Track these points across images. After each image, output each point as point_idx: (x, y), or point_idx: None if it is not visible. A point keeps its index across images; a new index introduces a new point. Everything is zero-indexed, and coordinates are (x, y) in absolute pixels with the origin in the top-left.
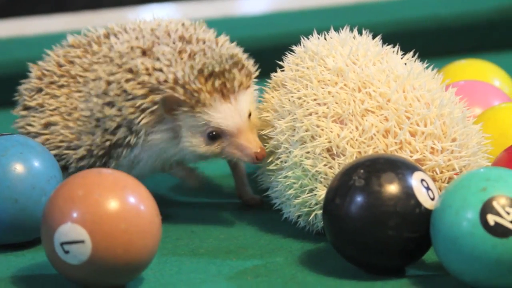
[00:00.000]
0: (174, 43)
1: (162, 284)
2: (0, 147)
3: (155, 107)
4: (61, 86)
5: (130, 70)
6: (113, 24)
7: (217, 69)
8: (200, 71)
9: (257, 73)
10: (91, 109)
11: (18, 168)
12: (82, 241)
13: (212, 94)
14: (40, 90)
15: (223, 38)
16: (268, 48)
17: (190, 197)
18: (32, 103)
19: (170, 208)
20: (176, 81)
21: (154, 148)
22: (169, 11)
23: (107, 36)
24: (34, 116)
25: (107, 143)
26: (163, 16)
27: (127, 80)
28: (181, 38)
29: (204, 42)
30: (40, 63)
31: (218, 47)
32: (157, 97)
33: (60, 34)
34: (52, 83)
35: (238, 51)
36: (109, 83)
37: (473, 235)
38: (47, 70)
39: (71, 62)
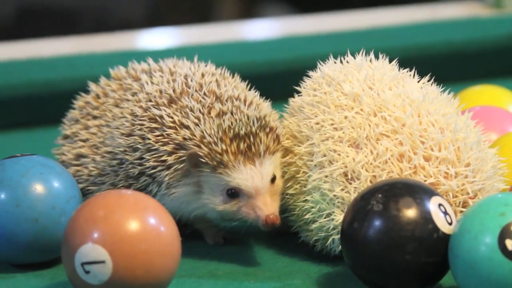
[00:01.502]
0: (204, 98)
1: None
2: (21, 168)
3: (181, 165)
4: (95, 118)
5: (155, 119)
6: (153, 61)
7: (242, 131)
8: (225, 132)
9: (284, 138)
10: (114, 146)
11: (38, 188)
12: (102, 262)
13: (236, 156)
14: (78, 120)
15: (253, 95)
16: (283, 72)
17: None
18: (68, 132)
19: (188, 229)
20: (202, 139)
21: (176, 200)
22: (183, 34)
23: (142, 72)
24: (68, 146)
25: (132, 188)
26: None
27: (151, 130)
28: (212, 93)
29: (233, 102)
30: (84, 94)
31: (246, 107)
32: (183, 154)
33: (71, 56)
34: (88, 114)
35: (268, 112)
36: (133, 125)
37: (491, 260)
38: (87, 102)
39: (107, 95)
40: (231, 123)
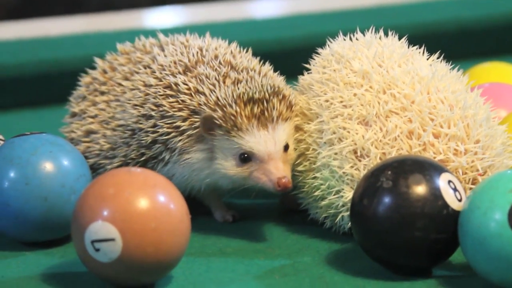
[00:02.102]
0: (219, 67)
1: (191, 282)
2: (30, 146)
3: (194, 131)
4: (102, 93)
5: (170, 87)
6: (163, 36)
7: (256, 96)
8: (240, 96)
9: (298, 106)
10: (126, 119)
11: (48, 166)
12: (112, 239)
13: (250, 120)
14: (85, 97)
15: (267, 68)
16: (292, 50)
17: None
18: (76, 109)
19: (197, 207)
20: (216, 103)
21: (188, 167)
22: (191, 13)
23: (153, 46)
24: (77, 123)
25: (143, 158)
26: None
27: (166, 97)
28: (227, 63)
29: (248, 72)
30: (90, 71)
31: (260, 77)
32: (197, 120)
33: (79, 35)
34: (95, 90)
35: (280, 82)
36: (146, 94)
37: (501, 236)
38: (94, 78)
39: (114, 69)
40: (245, 89)
